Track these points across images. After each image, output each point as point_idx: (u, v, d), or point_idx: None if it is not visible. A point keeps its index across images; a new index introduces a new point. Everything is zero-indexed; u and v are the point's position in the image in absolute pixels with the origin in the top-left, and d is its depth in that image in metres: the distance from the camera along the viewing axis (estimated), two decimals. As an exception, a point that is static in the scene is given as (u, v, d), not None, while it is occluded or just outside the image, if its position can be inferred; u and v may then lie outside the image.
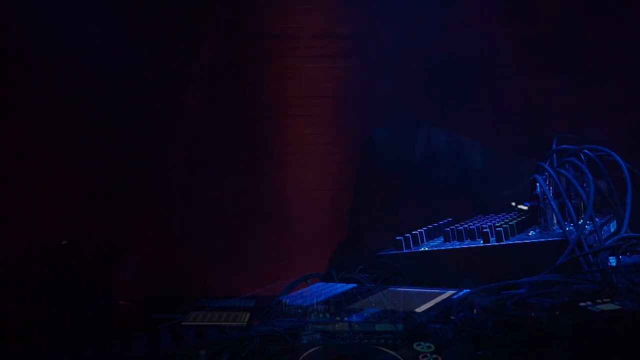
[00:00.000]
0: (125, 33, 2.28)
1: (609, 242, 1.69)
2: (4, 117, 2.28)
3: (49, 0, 2.21)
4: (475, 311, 1.37)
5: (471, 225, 1.93)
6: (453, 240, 1.91)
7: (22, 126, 2.31)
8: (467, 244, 1.84)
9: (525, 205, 2.06)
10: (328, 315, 1.46)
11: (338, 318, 1.42)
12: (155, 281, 2.36)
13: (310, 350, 1.23)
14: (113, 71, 2.31)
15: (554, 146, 2.06)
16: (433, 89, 2.44)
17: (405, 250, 1.89)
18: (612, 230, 1.94)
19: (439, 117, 2.46)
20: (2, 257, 2.14)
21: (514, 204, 2.14)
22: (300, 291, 1.71)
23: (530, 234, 1.84)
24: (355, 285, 1.77)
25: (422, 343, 1.26)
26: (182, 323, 1.46)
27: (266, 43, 2.47)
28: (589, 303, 1.32)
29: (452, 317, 1.41)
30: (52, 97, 2.29)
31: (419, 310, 1.46)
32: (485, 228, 1.78)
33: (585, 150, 1.95)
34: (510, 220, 1.87)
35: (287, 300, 1.57)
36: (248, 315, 1.52)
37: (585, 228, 1.71)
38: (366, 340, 1.31)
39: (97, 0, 2.26)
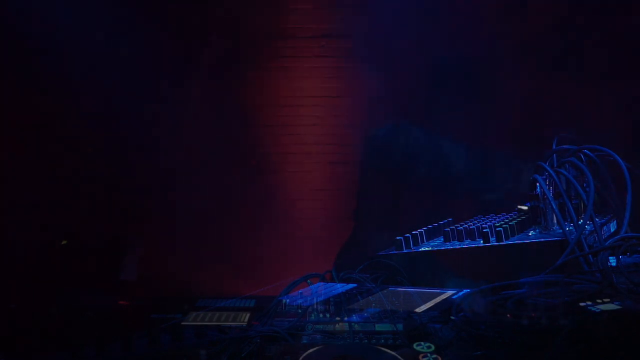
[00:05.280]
0: (124, 30, 2.29)
1: (609, 242, 1.69)
2: (4, 117, 2.29)
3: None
4: (475, 311, 1.37)
5: (471, 225, 1.93)
6: (453, 240, 1.91)
7: (22, 126, 2.31)
8: (467, 244, 1.84)
9: (525, 205, 2.05)
10: (328, 315, 1.46)
11: (338, 318, 1.42)
12: (155, 281, 2.36)
13: (310, 350, 1.23)
14: (114, 73, 2.32)
15: (554, 146, 2.06)
16: (433, 88, 2.44)
17: (405, 250, 1.88)
18: (612, 230, 1.94)
19: (439, 117, 2.46)
20: (2, 257, 2.14)
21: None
22: (300, 291, 1.71)
23: (530, 234, 1.84)
24: (355, 285, 1.77)
25: (422, 343, 1.26)
26: (182, 323, 1.46)
27: (266, 43, 2.47)
28: (589, 303, 1.32)
29: (452, 317, 1.41)
30: (50, 97, 2.29)
31: (419, 310, 1.46)
32: (485, 228, 1.78)
33: (585, 150, 1.95)
34: (510, 220, 1.87)
35: (287, 300, 1.57)
36: (248, 315, 1.51)
37: (585, 228, 1.71)
38: (366, 340, 1.31)
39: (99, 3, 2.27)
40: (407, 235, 1.92)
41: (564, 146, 2.03)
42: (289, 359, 1.19)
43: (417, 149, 2.46)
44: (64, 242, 2.28)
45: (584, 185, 1.85)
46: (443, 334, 1.34)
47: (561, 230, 1.72)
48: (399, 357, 1.20)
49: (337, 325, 1.39)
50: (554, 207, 1.79)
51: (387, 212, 2.46)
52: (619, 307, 1.30)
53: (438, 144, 2.46)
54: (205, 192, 2.45)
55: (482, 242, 1.78)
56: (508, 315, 1.30)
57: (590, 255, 1.60)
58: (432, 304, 1.51)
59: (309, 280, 1.84)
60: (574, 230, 1.73)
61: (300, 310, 1.50)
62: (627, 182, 1.82)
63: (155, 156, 2.40)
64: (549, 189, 1.86)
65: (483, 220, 2.05)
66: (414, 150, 2.46)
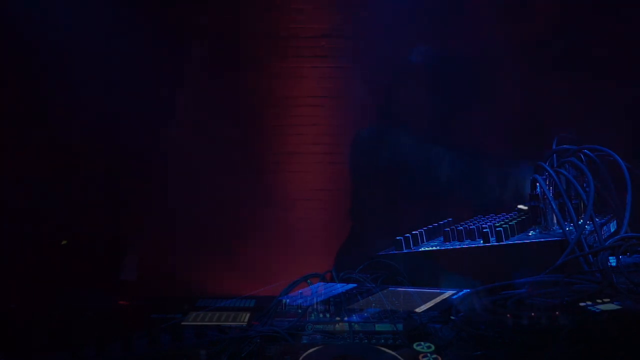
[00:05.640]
0: (124, 30, 2.29)
1: (609, 242, 1.69)
2: (4, 117, 2.28)
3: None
4: (475, 311, 1.37)
5: (471, 225, 1.93)
6: (453, 240, 1.91)
7: (22, 126, 2.31)
8: (467, 244, 1.83)
9: (525, 205, 2.05)
10: (328, 315, 1.45)
11: (338, 318, 1.42)
12: (155, 281, 2.36)
13: (310, 350, 1.23)
14: (114, 73, 2.32)
15: (554, 146, 2.05)
16: (433, 89, 2.44)
17: (405, 250, 1.88)
18: (612, 230, 1.94)
19: (439, 117, 2.46)
20: (2, 257, 2.14)
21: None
22: (300, 291, 1.71)
23: (530, 234, 1.84)
24: (355, 285, 1.77)
25: (422, 343, 1.25)
26: (182, 323, 1.46)
27: (266, 43, 2.47)
28: (589, 303, 1.32)
29: (452, 317, 1.40)
30: (50, 97, 2.29)
31: (419, 310, 1.46)
32: (485, 228, 1.78)
33: (585, 150, 1.95)
34: (510, 220, 1.87)
35: (287, 300, 1.57)
36: (248, 315, 1.51)
37: (585, 228, 1.71)
38: (366, 340, 1.30)
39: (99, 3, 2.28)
40: (407, 235, 1.91)
41: (564, 146, 2.03)
42: (289, 359, 1.19)
43: (417, 149, 2.46)
44: (64, 242, 2.28)
45: (584, 185, 1.84)
46: (443, 334, 1.34)
47: (561, 230, 1.72)
48: (399, 357, 1.20)
49: (337, 325, 1.39)
50: (554, 207, 1.79)
51: (387, 212, 2.45)
52: (619, 307, 1.30)
53: (438, 144, 2.46)
54: (205, 192, 2.45)
55: (482, 242, 1.78)
56: (508, 315, 1.30)
57: (590, 255, 1.60)
58: (432, 304, 1.51)
59: (309, 280, 1.83)
60: (574, 230, 1.73)
61: (300, 310, 1.50)
62: (627, 182, 1.82)
63: (155, 156, 2.40)
64: (549, 189, 1.86)
65: (483, 220, 2.05)
66: (413, 150, 2.46)
